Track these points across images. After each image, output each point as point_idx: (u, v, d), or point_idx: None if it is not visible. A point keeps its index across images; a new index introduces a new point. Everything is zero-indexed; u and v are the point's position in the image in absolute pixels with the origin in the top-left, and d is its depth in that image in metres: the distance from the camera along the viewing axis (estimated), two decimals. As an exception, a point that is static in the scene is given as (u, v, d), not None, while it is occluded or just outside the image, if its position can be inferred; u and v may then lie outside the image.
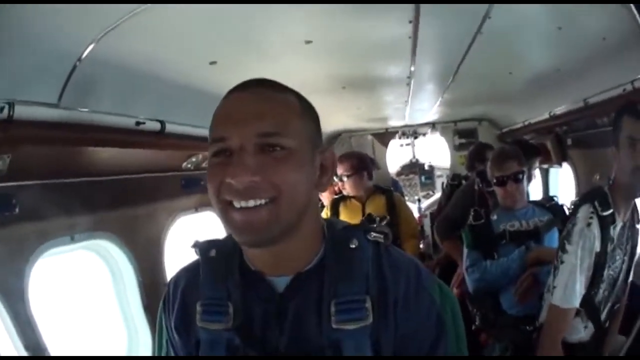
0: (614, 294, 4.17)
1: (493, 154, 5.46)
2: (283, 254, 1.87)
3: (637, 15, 3.51)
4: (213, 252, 2.00)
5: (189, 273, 2.09)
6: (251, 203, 1.72)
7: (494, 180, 5.16)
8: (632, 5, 3.44)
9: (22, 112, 2.98)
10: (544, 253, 4.76)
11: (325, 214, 7.05)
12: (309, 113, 1.93)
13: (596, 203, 3.90)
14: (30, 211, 3.58)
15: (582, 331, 4.14)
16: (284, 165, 1.75)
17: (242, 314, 1.88)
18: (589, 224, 3.88)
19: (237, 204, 1.73)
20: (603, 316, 4.17)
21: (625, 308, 4.43)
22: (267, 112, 1.78)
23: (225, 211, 1.77)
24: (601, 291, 4.05)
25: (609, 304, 4.16)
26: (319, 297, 1.85)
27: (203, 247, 2.04)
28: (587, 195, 4.11)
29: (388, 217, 4.31)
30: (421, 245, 8.84)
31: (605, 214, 3.88)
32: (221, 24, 3.58)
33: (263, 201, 1.72)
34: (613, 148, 3.86)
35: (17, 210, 3.45)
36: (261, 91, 1.84)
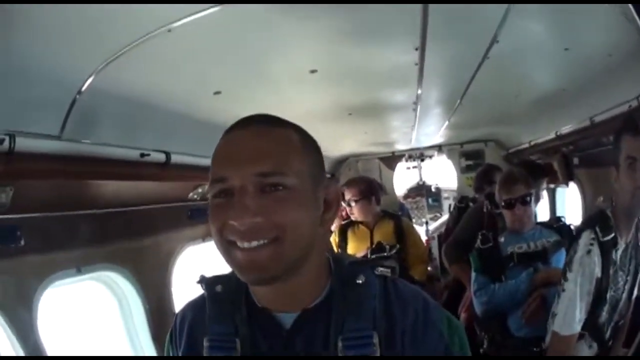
0: (617, 313, 4.13)
1: (501, 177, 5.44)
2: (288, 291, 1.86)
3: (637, 17, 3.49)
4: (219, 288, 1.99)
5: (195, 308, 2.07)
6: (254, 244, 1.70)
7: (502, 203, 5.15)
8: (630, 5, 3.42)
9: (23, 144, 2.95)
10: (552, 274, 4.71)
11: (334, 239, 7.02)
12: (311, 148, 1.92)
13: (597, 229, 3.86)
14: (36, 243, 3.57)
15: (586, 350, 4.10)
16: (286, 204, 1.73)
17: (250, 349, 1.86)
18: (589, 251, 3.85)
19: (240, 244, 1.71)
20: (607, 335, 4.14)
21: (630, 322, 4.38)
22: (267, 151, 1.76)
23: (228, 251, 1.74)
24: (604, 313, 4.02)
25: (613, 322, 4.13)
26: (326, 333, 1.83)
27: (209, 283, 2.03)
28: (588, 220, 4.07)
29: (398, 246, 4.27)
30: (429, 268, 8.78)
31: (606, 239, 3.85)
32: (225, 54, 3.55)
33: (266, 241, 1.70)
34: (613, 169, 3.81)
35: (22, 242, 3.43)
36: (261, 129, 1.83)
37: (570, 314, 3.90)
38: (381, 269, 1.95)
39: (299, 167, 1.79)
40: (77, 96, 3.19)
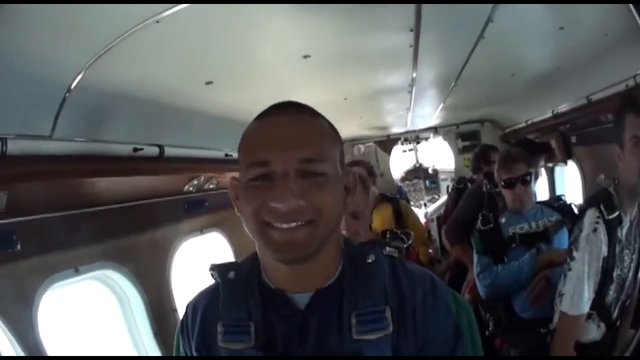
0: (624, 292, 4.08)
1: (500, 157, 5.35)
2: (308, 272, 1.87)
3: (636, 15, 3.44)
4: (232, 274, 2.01)
5: (207, 296, 2.07)
6: (292, 225, 1.74)
7: (502, 183, 5.05)
8: (630, 5, 3.38)
9: (15, 147, 2.92)
10: (555, 255, 4.66)
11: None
12: (338, 137, 1.96)
13: (602, 207, 3.81)
14: (32, 246, 3.54)
15: (595, 331, 4.06)
16: (324, 190, 1.77)
17: (264, 333, 1.87)
18: (595, 229, 3.79)
19: (277, 225, 1.74)
20: (614, 315, 4.08)
21: (637, 302, 4.33)
22: (307, 137, 1.80)
23: (264, 231, 1.78)
24: (611, 292, 3.97)
25: (620, 302, 4.08)
26: (340, 311, 1.85)
27: (221, 270, 2.04)
28: (592, 198, 4.01)
29: (413, 234, 4.24)
30: (429, 250, 8.75)
31: (611, 217, 3.80)
32: (215, 43, 3.51)
33: (302, 222, 1.74)
34: (617, 147, 3.76)
35: (18, 246, 3.40)
36: (297, 115, 1.86)
37: (578, 293, 3.85)
38: (389, 248, 1.99)
39: (332, 156, 1.85)
40: (67, 94, 3.16)
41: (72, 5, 2.47)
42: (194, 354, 2.03)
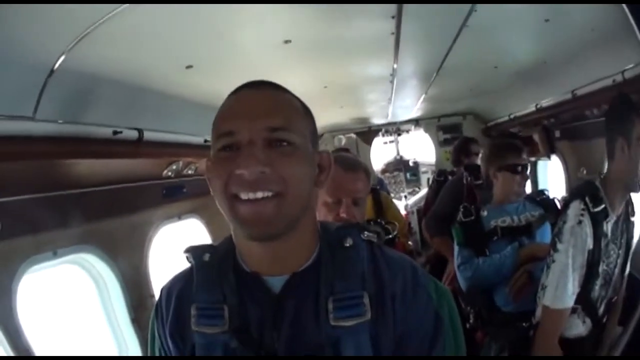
0: (611, 288, 4.08)
1: (502, 144, 5.24)
2: (281, 252, 1.85)
3: (629, 14, 3.45)
4: (207, 257, 1.98)
5: (182, 280, 2.05)
6: (259, 194, 1.71)
7: (505, 170, 4.89)
8: (624, 5, 3.38)
9: None
10: (537, 249, 4.62)
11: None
12: (310, 114, 1.96)
13: (587, 199, 3.81)
14: (12, 228, 3.51)
15: (580, 327, 4.05)
16: (291, 159, 1.76)
17: (238, 316, 1.85)
18: (579, 222, 3.79)
19: (244, 196, 1.72)
20: (600, 311, 4.07)
21: (624, 300, 4.33)
22: (275, 108, 1.80)
23: (232, 204, 1.75)
24: (597, 287, 3.95)
25: (606, 299, 4.07)
26: (316, 296, 1.83)
27: (196, 252, 2.01)
28: (577, 190, 4.00)
29: (397, 225, 4.22)
30: (409, 242, 8.76)
31: (597, 209, 3.79)
32: (196, 27, 3.49)
33: (270, 194, 1.72)
34: (621, 141, 3.75)
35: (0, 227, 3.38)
36: (267, 90, 1.87)
37: (561, 286, 3.83)
38: (367, 233, 1.96)
39: (302, 128, 1.84)
40: (49, 77, 3.15)
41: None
42: (168, 338, 2.01)
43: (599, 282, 3.94)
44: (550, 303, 3.87)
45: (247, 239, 1.84)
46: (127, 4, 2.80)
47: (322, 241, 1.94)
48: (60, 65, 3.13)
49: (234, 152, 1.74)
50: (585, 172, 6.10)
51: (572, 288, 3.83)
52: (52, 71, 3.13)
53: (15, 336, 3.51)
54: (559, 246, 3.84)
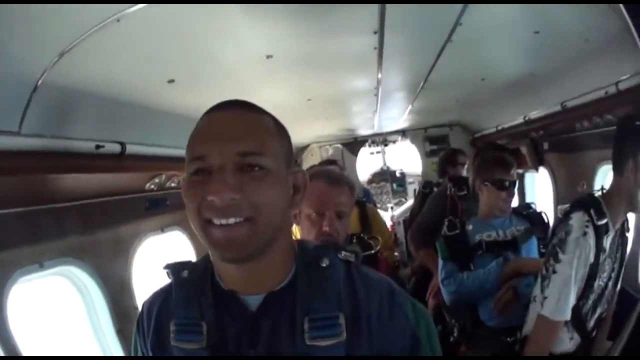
0: (602, 303, 4.06)
1: (494, 158, 5.17)
2: (256, 272, 1.86)
3: (626, 15, 3.45)
4: (185, 273, 2.00)
5: (162, 295, 2.08)
6: (231, 221, 1.72)
7: (491, 184, 4.89)
8: (621, 5, 3.38)
9: None
10: (522, 264, 4.61)
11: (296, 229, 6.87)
12: (284, 134, 1.96)
13: (592, 211, 3.79)
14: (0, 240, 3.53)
15: (568, 342, 4.01)
16: (262, 184, 1.76)
17: (215, 333, 1.87)
18: (584, 233, 3.76)
19: (217, 222, 1.73)
20: (590, 326, 4.04)
21: (614, 314, 4.32)
22: (247, 132, 1.80)
23: (205, 228, 1.76)
24: (589, 302, 3.93)
25: (597, 314, 4.05)
26: (292, 315, 1.84)
27: (175, 268, 2.03)
28: (580, 202, 3.95)
29: (380, 240, 4.21)
30: (396, 254, 8.75)
31: (601, 223, 3.78)
32: (177, 41, 3.50)
33: (241, 219, 1.73)
34: (632, 162, 3.74)
35: None
36: (239, 112, 1.87)
37: (564, 298, 3.78)
38: (345, 253, 1.97)
39: (274, 150, 1.83)
40: (33, 92, 3.15)
41: (35, 5, 2.48)
42: (149, 352, 2.02)
43: (592, 296, 3.93)
44: (549, 314, 3.82)
45: (221, 261, 1.84)
46: (109, 20, 2.81)
47: (299, 260, 1.94)
48: (44, 80, 3.13)
49: (205, 177, 1.75)
50: (585, 185, 6.09)
51: (572, 300, 3.83)
52: (36, 86, 3.13)
53: (7, 346, 3.55)
54: (562, 257, 3.79)
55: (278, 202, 1.82)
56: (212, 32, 3.45)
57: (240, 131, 1.79)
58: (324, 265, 1.91)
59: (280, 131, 1.93)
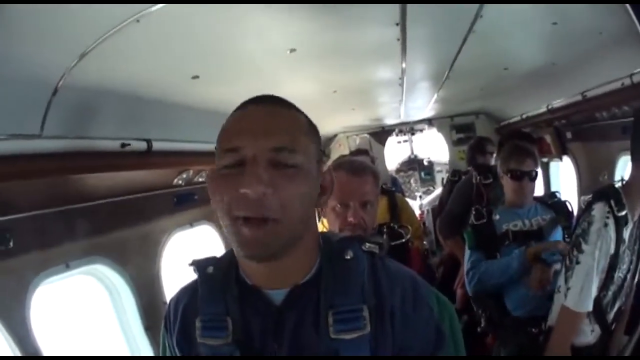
0: (622, 296, 4.03)
1: (510, 147, 5.21)
2: (281, 268, 1.85)
3: (633, 15, 3.43)
4: (210, 269, 2.00)
5: (188, 292, 2.08)
6: (259, 215, 1.70)
7: (508, 174, 4.92)
8: (628, 5, 3.36)
9: (4, 146, 2.94)
10: (541, 247, 4.59)
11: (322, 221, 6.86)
12: (315, 131, 1.95)
13: (612, 202, 3.76)
14: (24, 243, 3.55)
15: (589, 335, 3.99)
16: (293, 182, 1.74)
17: (240, 328, 1.87)
18: (605, 224, 3.73)
19: (244, 214, 1.71)
20: (610, 318, 4.02)
21: (631, 308, 4.29)
22: (281, 127, 1.79)
23: (234, 224, 1.74)
24: (610, 293, 3.91)
25: (616, 306, 4.03)
26: (316, 309, 1.84)
27: (200, 265, 2.04)
28: (601, 193, 3.93)
29: (410, 228, 4.19)
30: (424, 243, 8.72)
31: (621, 214, 3.75)
32: (199, 38, 3.48)
33: (268, 217, 1.70)
34: None
35: (11, 244, 3.42)
36: (274, 108, 1.86)
37: (586, 289, 3.77)
38: (369, 244, 1.96)
39: (306, 148, 1.82)
40: (54, 94, 3.15)
41: (54, 9, 2.48)
42: (176, 349, 2.03)
43: (612, 288, 3.91)
44: (573, 305, 3.81)
45: (243, 258, 1.84)
46: (129, 20, 2.80)
47: (323, 254, 1.94)
48: (64, 82, 3.13)
49: (237, 170, 1.73)
50: (606, 176, 6.06)
51: (594, 292, 3.80)
52: (56, 89, 3.13)
53: (28, 348, 3.54)
54: (585, 247, 3.78)
55: (305, 202, 1.80)
56: (233, 28, 3.43)
57: (274, 126, 1.78)
58: (348, 257, 1.91)
59: (312, 129, 1.93)
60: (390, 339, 1.83)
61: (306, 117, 1.94)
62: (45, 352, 3.71)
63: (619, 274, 3.89)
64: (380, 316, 1.83)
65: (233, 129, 1.80)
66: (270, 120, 1.79)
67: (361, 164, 3.52)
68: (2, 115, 2.93)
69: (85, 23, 2.75)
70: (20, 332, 3.52)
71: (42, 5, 2.41)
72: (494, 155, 7.24)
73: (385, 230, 3.91)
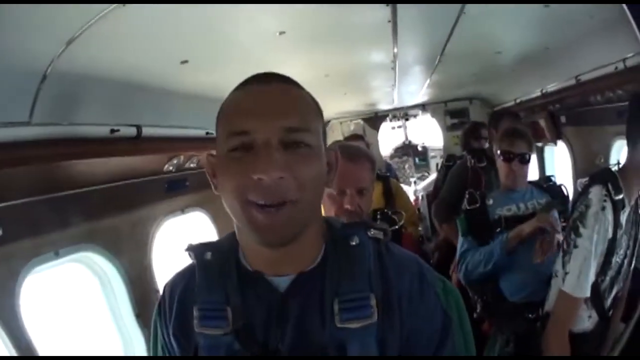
0: (619, 282, 4.02)
1: (504, 129, 5.25)
2: (289, 254, 1.81)
3: (630, 16, 3.42)
4: (208, 255, 1.94)
5: (185, 277, 2.02)
6: (276, 201, 1.66)
7: (501, 156, 4.88)
8: (624, 5, 3.35)
9: None
10: (521, 228, 4.55)
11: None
12: (319, 109, 1.90)
13: (609, 186, 3.74)
14: (14, 231, 3.51)
15: (586, 321, 3.98)
16: (308, 162, 1.71)
17: (241, 318, 1.81)
18: (603, 208, 3.72)
19: (261, 202, 1.66)
20: (607, 304, 4.01)
21: (628, 294, 4.28)
22: (292, 107, 1.75)
23: (246, 210, 1.70)
24: (608, 278, 3.89)
25: (613, 292, 4.01)
26: (322, 296, 1.80)
27: (197, 250, 1.97)
28: (598, 176, 3.91)
29: (404, 214, 4.17)
30: (419, 229, 8.71)
31: (618, 198, 3.73)
32: (187, 22, 3.44)
33: (285, 201, 1.66)
34: None
35: (0, 232, 3.38)
36: (282, 86, 1.80)
37: (584, 274, 3.76)
38: (374, 230, 1.92)
39: (316, 127, 1.79)
40: (42, 81, 3.13)
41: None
42: (171, 338, 1.98)
43: (610, 273, 3.89)
44: (571, 290, 3.79)
45: (255, 244, 1.78)
46: (115, 4, 2.77)
47: (328, 240, 1.90)
48: (52, 69, 3.10)
49: (247, 154, 1.68)
50: (602, 160, 6.06)
51: (592, 277, 3.79)
52: (44, 76, 3.11)
53: (18, 337, 3.52)
54: (583, 231, 3.75)
55: (320, 182, 1.78)
56: (222, 11, 3.39)
57: (285, 105, 1.73)
58: (354, 243, 1.86)
59: (318, 108, 1.88)
60: (397, 326, 1.80)
61: (311, 96, 1.89)
62: (37, 341, 3.67)
63: (616, 259, 3.87)
64: (387, 304, 1.80)
65: (239, 110, 1.75)
66: (280, 100, 1.75)
67: (358, 149, 3.49)
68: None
69: (71, 9, 2.72)
70: (11, 321, 3.49)
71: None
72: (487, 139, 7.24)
73: (379, 216, 3.88)
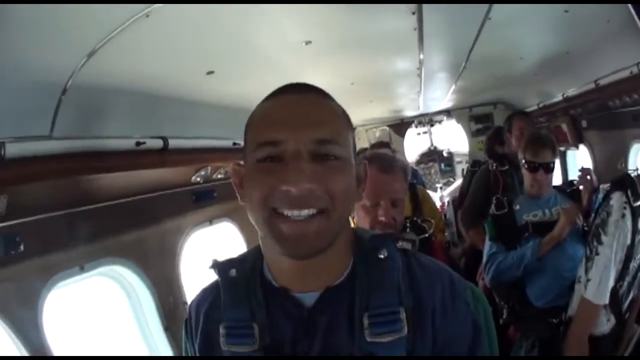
0: (635, 286, 4.00)
1: (528, 137, 5.21)
2: (317, 268, 1.78)
3: (635, 15, 3.39)
4: (233, 272, 1.91)
5: (210, 294, 1.99)
6: (304, 213, 1.63)
7: (525, 165, 4.92)
8: (629, 5, 3.34)
9: (14, 149, 2.90)
10: (554, 236, 4.56)
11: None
12: (350, 121, 1.87)
13: (629, 192, 3.72)
14: (36, 246, 3.49)
15: (605, 324, 3.99)
16: (338, 175, 1.68)
17: (268, 335, 1.78)
18: (623, 215, 3.71)
19: (288, 213, 1.64)
20: (624, 308, 3.99)
21: None
22: (323, 118, 1.72)
23: (272, 221, 1.67)
24: (625, 284, 3.88)
25: (630, 296, 4.00)
26: (351, 311, 1.77)
27: (222, 267, 1.94)
28: (618, 182, 3.91)
29: (433, 222, 4.16)
30: (446, 234, 8.69)
31: (637, 204, 3.71)
32: (212, 32, 3.44)
33: (315, 211, 1.64)
34: None
35: (22, 247, 3.35)
36: (312, 97, 1.79)
37: (604, 281, 3.77)
38: (402, 242, 1.89)
39: (347, 139, 1.77)
40: (63, 94, 3.11)
41: (60, 9, 2.44)
42: (197, 354, 1.96)
43: (627, 278, 3.88)
44: (592, 297, 3.81)
45: (281, 256, 1.75)
46: (138, 16, 2.76)
47: (356, 253, 1.86)
48: (73, 81, 3.10)
49: (277, 165, 1.65)
50: (623, 164, 6.04)
51: (612, 283, 3.78)
52: (65, 89, 3.10)
53: (40, 351, 3.50)
54: (604, 239, 3.76)
55: (350, 194, 1.74)
56: (248, 21, 3.38)
57: (316, 116, 1.71)
58: (382, 256, 1.83)
59: (348, 118, 1.85)
60: (428, 339, 1.77)
61: (341, 107, 1.85)
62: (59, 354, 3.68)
63: (633, 264, 3.86)
64: (418, 317, 1.76)
65: (269, 120, 1.73)
66: (311, 111, 1.72)
67: (392, 160, 3.48)
68: (10, 117, 2.91)
69: (92, 21, 2.72)
70: (33, 339, 3.48)
71: (47, 5, 2.37)
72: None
73: (408, 224, 3.86)
